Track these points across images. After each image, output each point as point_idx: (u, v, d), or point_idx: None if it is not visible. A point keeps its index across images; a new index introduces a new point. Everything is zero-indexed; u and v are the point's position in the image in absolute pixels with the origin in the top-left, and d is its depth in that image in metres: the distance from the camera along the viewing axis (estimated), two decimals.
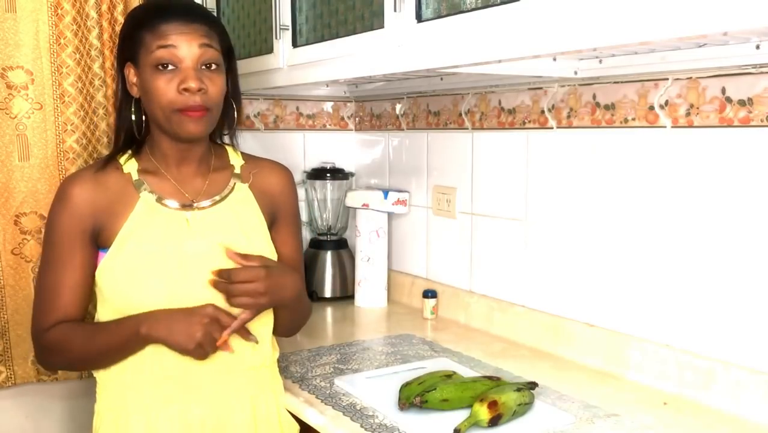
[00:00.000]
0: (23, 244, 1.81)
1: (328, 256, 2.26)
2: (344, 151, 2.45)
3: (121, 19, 1.82)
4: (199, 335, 1.18)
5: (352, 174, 2.36)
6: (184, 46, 1.20)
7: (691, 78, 1.39)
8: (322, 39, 1.69)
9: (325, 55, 1.66)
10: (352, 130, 2.47)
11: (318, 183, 2.32)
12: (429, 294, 2.03)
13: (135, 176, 1.28)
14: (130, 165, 1.30)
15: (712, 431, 1.27)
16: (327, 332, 1.96)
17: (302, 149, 2.39)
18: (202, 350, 1.19)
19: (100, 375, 1.30)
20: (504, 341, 1.80)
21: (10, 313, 1.80)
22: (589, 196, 1.60)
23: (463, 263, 2.00)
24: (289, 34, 1.79)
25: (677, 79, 1.41)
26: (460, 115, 1.98)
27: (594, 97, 1.59)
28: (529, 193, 1.76)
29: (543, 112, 1.72)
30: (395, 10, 1.39)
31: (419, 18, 1.36)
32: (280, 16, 1.79)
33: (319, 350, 1.71)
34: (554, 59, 1.49)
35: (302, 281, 1.38)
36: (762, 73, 1.27)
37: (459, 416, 1.26)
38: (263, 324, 1.32)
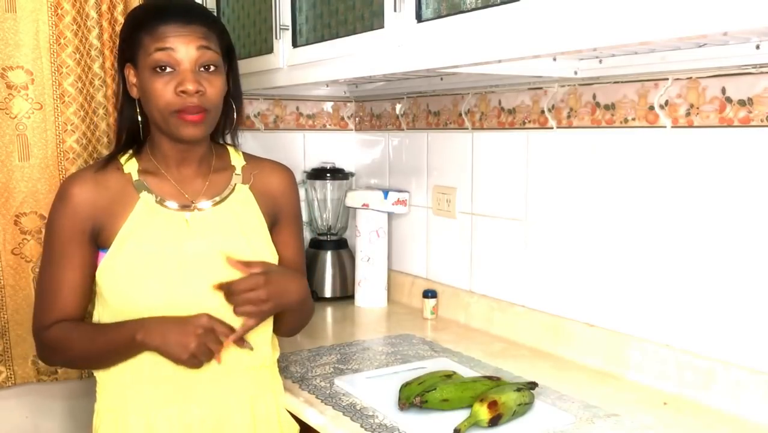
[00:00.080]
0: (23, 244, 1.81)
1: (328, 256, 2.26)
2: (344, 151, 2.45)
3: (121, 19, 1.82)
4: (193, 346, 1.18)
5: (352, 174, 2.36)
6: (182, 49, 1.20)
7: (691, 78, 1.39)
8: (322, 39, 1.69)
9: (325, 55, 1.66)
10: (352, 130, 2.47)
11: (318, 183, 2.32)
12: (429, 294, 2.03)
13: (135, 177, 1.28)
14: (130, 165, 1.30)
15: (712, 431, 1.27)
16: (327, 332, 1.96)
17: (302, 149, 2.39)
18: (195, 360, 1.19)
19: (100, 375, 1.30)
20: (504, 341, 1.80)
21: (10, 313, 1.80)
22: (589, 197, 1.60)
23: (463, 262, 2.00)
24: (289, 34, 1.79)
25: (677, 79, 1.41)
26: (460, 115, 1.98)
27: (594, 97, 1.59)
28: (529, 193, 1.76)
29: (543, 112, 1.72)
30: (395, 10, 1.39)
31: (419, 18, 1.36)
32: (280, 16, 1.79)
33: (319, 350, 1.71)
34: (554, 59, 1.49)
35: (306, 284, 1.38)
36: (762, 73, 1.27)
37: (459, 416, 1.26)
38: (262, 326, 1.32)
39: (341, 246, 2.30)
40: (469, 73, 1.58)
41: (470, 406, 1.26)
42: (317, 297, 2.21)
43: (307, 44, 1.75)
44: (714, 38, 1.22)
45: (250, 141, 2.19)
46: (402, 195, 2.15)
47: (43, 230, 1.66)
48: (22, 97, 1.78)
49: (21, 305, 1.80)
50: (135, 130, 1.30)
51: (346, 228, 2.36)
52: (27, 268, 1.81)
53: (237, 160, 1.38)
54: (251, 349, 1.27)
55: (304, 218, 2.31)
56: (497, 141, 1.86)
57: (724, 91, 1.33)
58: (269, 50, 1.87)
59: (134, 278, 1.22)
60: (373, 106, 2.36)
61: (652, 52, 1.39)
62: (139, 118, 1.29)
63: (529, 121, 1.76)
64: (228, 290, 1.21)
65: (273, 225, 1.38)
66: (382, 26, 1.46)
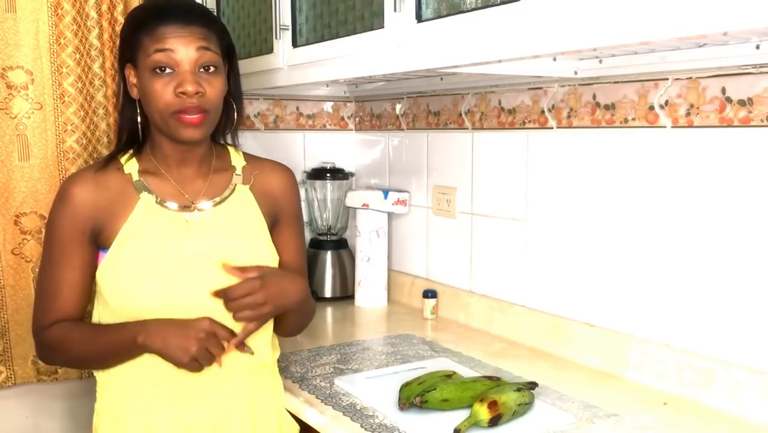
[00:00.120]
0: (23, 244, 1.81)
1: (328, 256, 2.26)
2: (344, 151, 2.45)
3: (121, 19, 1.82)
4: (194, 350, 1.18)
5: (352, 174, 2.37)
6: (182, 50, 1.19)
7: (691, 78, 1.39)
8: (322, 39, 1.69)
9: (325, 55, 1.66)
10: (352, 130, 2.47)
11: (318, 183, 2.32)
12: (429, 294, 2.03)
13: (135, 177, 1.28)
14: (130, 165, 1.29)
15: (712, 431, 1.27)
16: (327, 332, 1.96)
17: (302, 149, 2.39)
18: (196, 364, 1.19)
19: (100, 375, 1.30)
20: (504, 341, 1.80)
21: (10, 313, 1.80)
22: (589, 197, 1.60)
23: (463, 263, 2.00)
24: (289, 34, 1.79)
25: (677, 79, 1.41)
26: (460, 115, 1.98)
27: (594, 97, 1.59)
28: (529, 193, 1.76)
29: (543, 112, 1.72)
30: (395, 10, 1.39)
31: (419, 18, 1.36)
32: (280, 16, 1.79)
33: (319, 350, 1.71)
34: (554, 59, 1.49)
35: (306, 284, 1.37)
36: (762, 73, 1.27)
37: (459, 416, 1.26)
38: (262, 327, 1.31)
39: (341, 246, 2.30)
40: (469, 73, 1.58)
41: (470, 406, 1.26)
42: (317, 297, 2.21)
43: (307, 44, 1.75)
44: (714, 38, 1.22)
45: (250, 141, 2.19)
46: (402, 195, 2.15)
47: (43, 230, 1.67)
48: (22, 97, 1.78)
49: (21, 305, 1.80)
50: (135, 130, 1.30)
51: (346, 228, 2.36)
52: (27, 268, 1.81)
53: (237, 160, 1.38)
54: (252, 354, 1.27)
55: (305, 218, 2.30)
56: (497, 141, 1.86)
57: (724, 91, 1.33)
58: (269, 50, 1.87)
59: (134, 278, 1.22)
60: (373, 106, 2.36)
61: (652, 52, 1.39)
62: (139, 119, 1.29)
63: (529, 121, 1.76)
64: (225, 297, 1.21)
65: (273, 225, 1.37)
66: (382, 26, 1.46)
